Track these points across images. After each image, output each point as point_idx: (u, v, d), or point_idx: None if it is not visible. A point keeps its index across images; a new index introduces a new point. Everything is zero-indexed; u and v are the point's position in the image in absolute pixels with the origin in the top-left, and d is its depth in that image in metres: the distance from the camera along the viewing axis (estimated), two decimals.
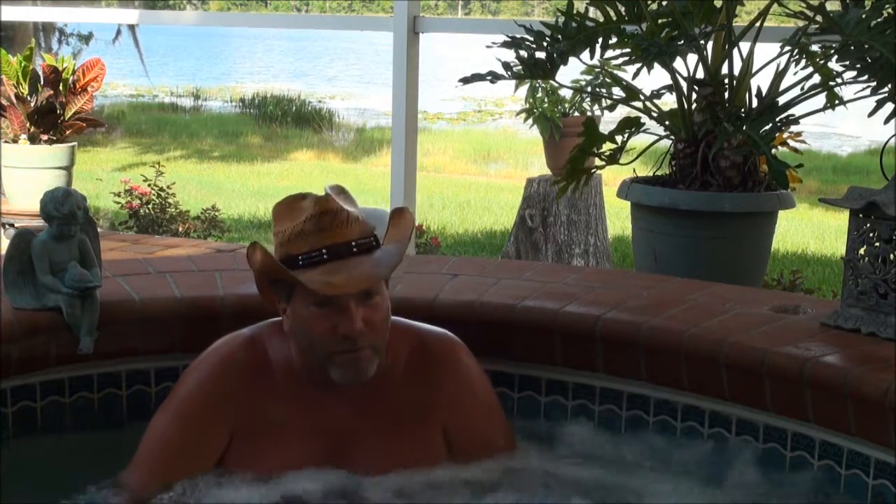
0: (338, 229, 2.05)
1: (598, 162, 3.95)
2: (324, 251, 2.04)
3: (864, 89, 3.55)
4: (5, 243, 3.84)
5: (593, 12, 4.08)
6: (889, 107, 3.44)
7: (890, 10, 3.48)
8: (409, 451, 2.17)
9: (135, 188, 7.15)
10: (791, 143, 4.45)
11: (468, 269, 2.86)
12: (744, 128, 3.60)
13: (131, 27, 15.78)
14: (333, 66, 34.17)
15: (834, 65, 3.60)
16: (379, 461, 2.15)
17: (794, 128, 4.04)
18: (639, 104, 3.90)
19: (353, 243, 2.06)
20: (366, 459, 2.15)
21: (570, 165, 3.93)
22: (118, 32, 16.10)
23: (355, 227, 2.07)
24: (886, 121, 3.36)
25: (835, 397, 2.13)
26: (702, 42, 3.72)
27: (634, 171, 3.94)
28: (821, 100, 3.67)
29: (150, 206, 7.10)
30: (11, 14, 7.47)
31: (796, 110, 3.72)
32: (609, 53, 3.92)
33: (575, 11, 3.79)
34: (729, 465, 2.28)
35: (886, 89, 3.46)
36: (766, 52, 3.87)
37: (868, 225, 2.38)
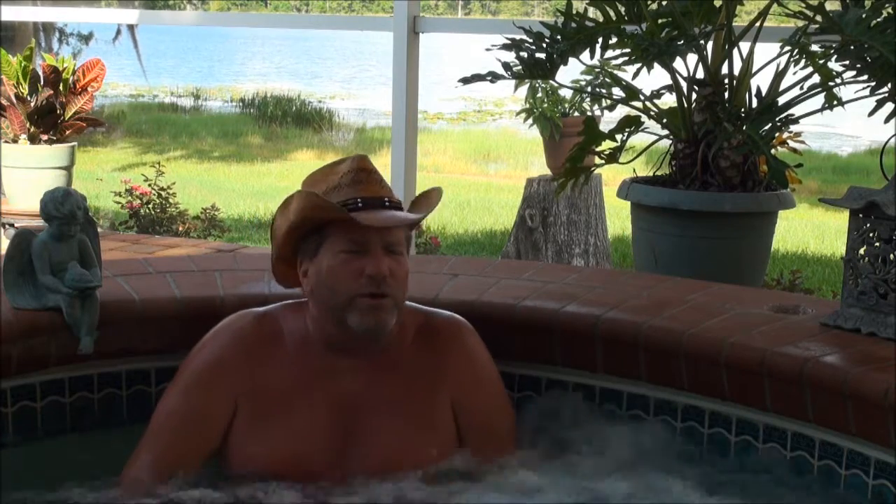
0: (373, 185, 2.16)
1: (597, 161, 3.95)
2: (359, 200, 2.13)
3: (863, 89, 3.55)
4: (5, 243, 3.85)
5: (593, 12, 4.08)
6: (889, 107, 3.45)
7: (890, 10, 3.48)
8: (418, 423, 2.19)
9: (135, 188, 7.15)
10: (791, 143, 4.45)
11: (468, 269, 2.86)
12: (744, 128, 3.60)
13: (131, 27, 15.78)
14: (334, 66, 34.17)
15: (834, 64, 3.60)
16: (386, 433, 2.16)
17: (793, 128, 4.04)
18: (639, 104, 3.90)
19: (386, 199, 2.16)
20: (373, 431, 2.16)
21: (570, 163, 3.93)
22: (118, 32, 16.11)
23: (387, 189, 2.19)
24: (886, 120, 3.36)
25: (835, 397, 2.13)
26: (702, 42, 3.72)
27: (634, 170, 3.94)
28: (821, 100, 3.68)
29: (150, 205, 7.10)
30: (11, 14, 7.47)
31: (796, 110, 3.72)
32: (609, 53, 3.92)
33: (575, 11, 3.80)
34: (728, 465, 2.28)
35: (886, 89, 3.47)
36: (766, 52, 3.87)
37: (868, 225, 2.38)
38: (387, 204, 2.15)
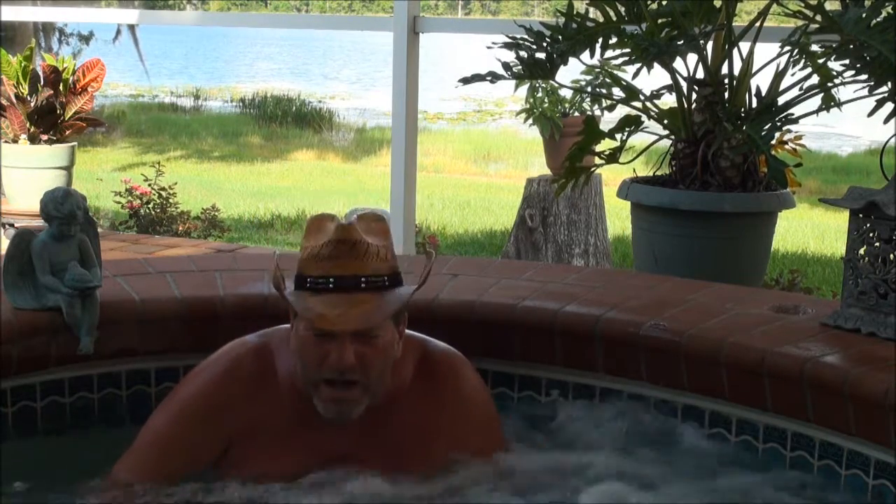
0: (352, 261, 2.02)
1: (597, 161, 3.95)
2: (331, 280, 2.02)
3: (862, 88, 3.55)
4: (5, 243, 3.84)
5: (593, 12, 4.08)
6: (889, 106, 3.44)
7: (889, 10, 3.48)
8: (410, 473, 2.14)
9: (135, 188, 7.16)
10: (791, 144, 4.45)
11: (468, 269, 2.86)
12: (744, 128, 3.60)
13: (131, 27, 15.79)
14: (334, 66, 34.16)
15: (833, 64, 3.60)
16: (377, 483, 2.11)
17: (794, 130, 4.04)
18: (639, 104, 3.90)
19: (363, 279, 2.02)
20: (365, 480, 2.11)
21: (569, 163, 3.93)
22: (118, 32, 16.11)
23: (372, 263, 2.03)
24: (886, 120, 3.36)
25: (835, 397, 2.13)
26: (702, 42, 3.72)
27: (634, 170, 3.94)
28: (821, 100, 3.68)
29: (150, 205, 7.11)
30: (11, 14, 7.46)
31: (796, 110, 3.72)
32: (609, 53, 3.91)
33: (575, 12, 3.79)
34: (729, 464, 2.28)
35: (885, 88, 3.47)
36: (765, 52, 3.87)
37: (868, 225, 2.39)
38: (363, 285, 2.02)
